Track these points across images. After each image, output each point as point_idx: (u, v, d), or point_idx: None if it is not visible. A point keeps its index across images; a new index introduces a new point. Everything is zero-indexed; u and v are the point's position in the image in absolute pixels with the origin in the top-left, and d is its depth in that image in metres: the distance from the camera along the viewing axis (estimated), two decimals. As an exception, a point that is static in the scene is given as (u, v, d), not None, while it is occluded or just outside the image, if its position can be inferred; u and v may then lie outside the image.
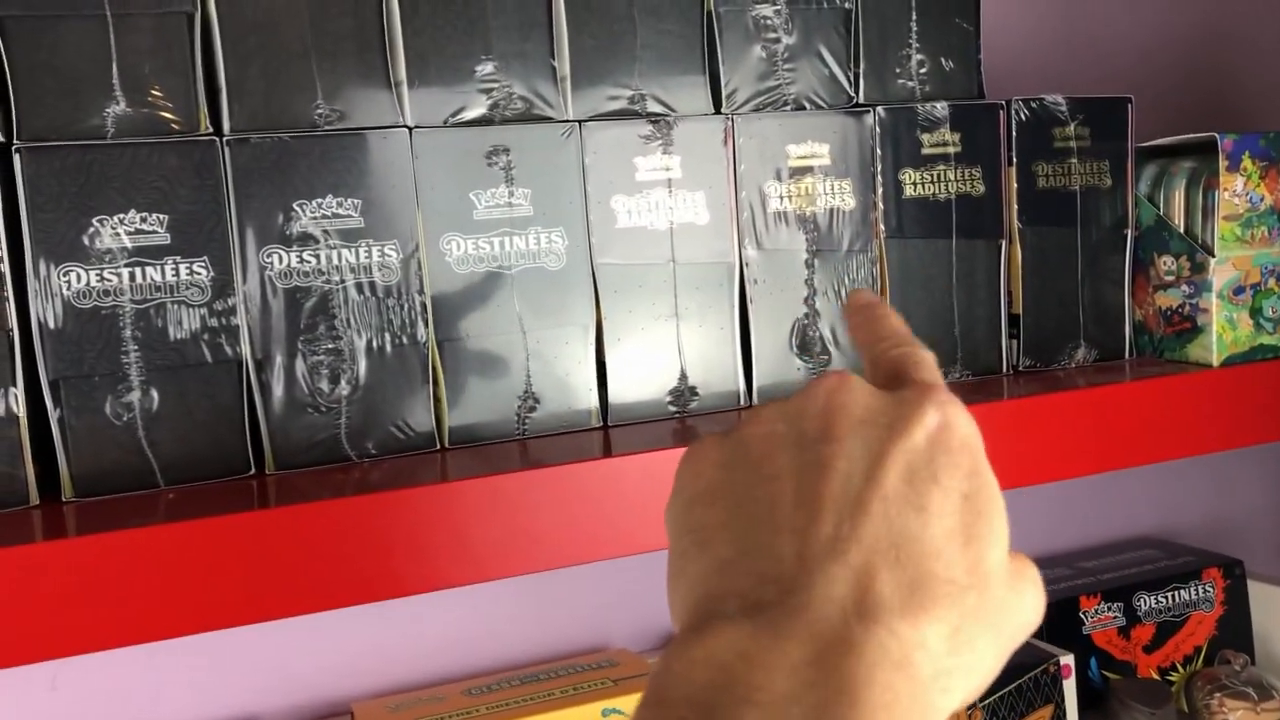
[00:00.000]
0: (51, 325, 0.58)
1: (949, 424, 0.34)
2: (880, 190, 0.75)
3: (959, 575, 0.31)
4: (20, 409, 0.58)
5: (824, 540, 0.31)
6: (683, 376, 0.72)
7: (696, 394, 0.72)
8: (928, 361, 0.38)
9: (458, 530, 0.58)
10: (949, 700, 0.30)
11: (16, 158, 0.57)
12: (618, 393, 0.70)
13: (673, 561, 0.35)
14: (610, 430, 0.69)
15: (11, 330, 0.57)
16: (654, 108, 0.70)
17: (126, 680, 0.80)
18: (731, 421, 0.71)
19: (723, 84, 0.72)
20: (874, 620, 0.30)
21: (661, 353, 0.71)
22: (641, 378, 0.71)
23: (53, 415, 0.58)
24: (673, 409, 0.72)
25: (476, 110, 0.66)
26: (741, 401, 0.73)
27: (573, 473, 0.60)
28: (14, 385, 0.57)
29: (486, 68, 0.66)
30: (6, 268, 0.57)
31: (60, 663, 0.78)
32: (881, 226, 0.76)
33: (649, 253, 0.70)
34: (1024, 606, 0.34)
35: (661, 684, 0.30)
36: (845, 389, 0.35)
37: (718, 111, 0.72)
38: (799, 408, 0.35)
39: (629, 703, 0.79)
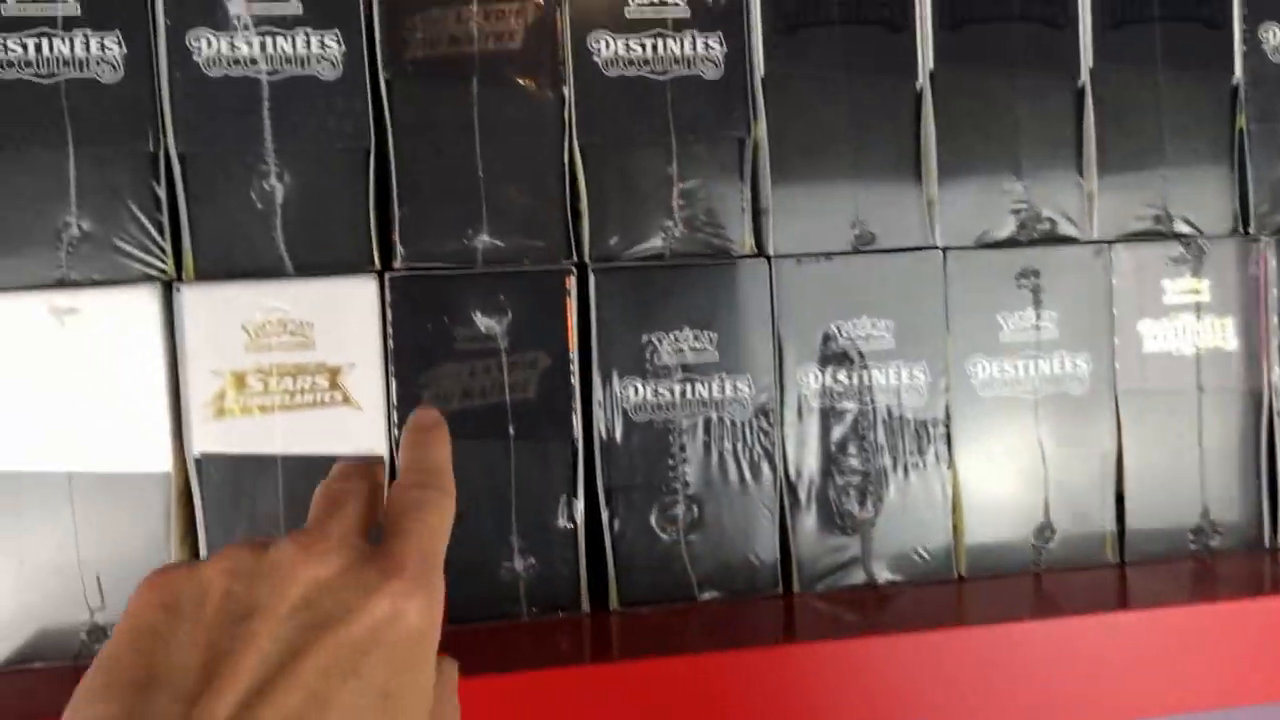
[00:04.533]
0: (616, 438, 0.60)
1: (398, 616, 0.33)
2: None
3: None
4: (578, 518, 0.60)
5: (218, 716, 0.30)
6: (1204, 513, 0.67)
7: (1218, 531, 0.67)
8: (432, 518, 0.36)
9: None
10: None
11: (591, 277, 0.60)
12: (1135, 523, 0.66)
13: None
14: (1126, 568, 0.65)
15: (576, 440, 0.59)
16: (1180, 228, 0.67)
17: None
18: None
19: (1251, 204, 0.68)
20: None
21: (1182, 484, 0.66)
22: (1159, 509, 0.66)
23: (607, 526, 0.60)
24: (1193, 547, 0.67)
25: (1005, 230, 0.65)
26: (1266, 543, 0.67)
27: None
28: (575, 496, 0.60)
29: (1016, 187, 0.65)
30: (576, 381, 0.59)
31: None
32: None
33: (1174, 379, 0.66)
34: None
35: None
36: (312, 559, 0.33)
37: (1245, 232, 0.68)
38: (265, 566, 0.33)
39: None
